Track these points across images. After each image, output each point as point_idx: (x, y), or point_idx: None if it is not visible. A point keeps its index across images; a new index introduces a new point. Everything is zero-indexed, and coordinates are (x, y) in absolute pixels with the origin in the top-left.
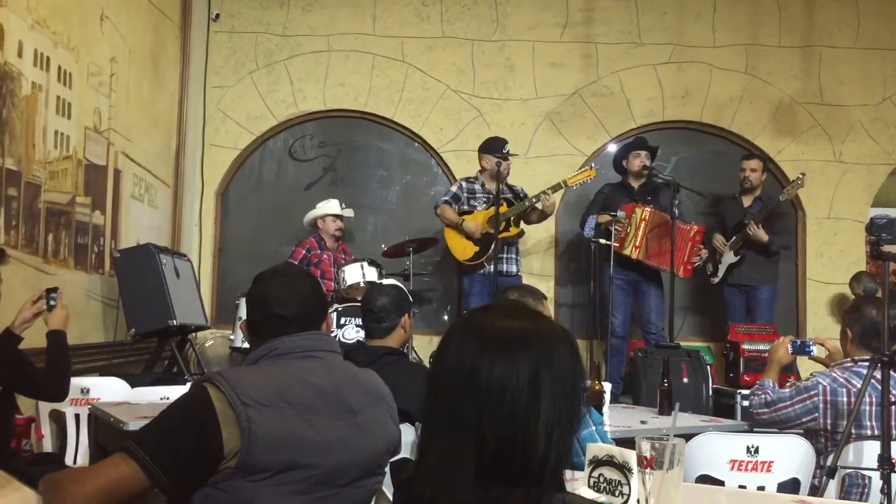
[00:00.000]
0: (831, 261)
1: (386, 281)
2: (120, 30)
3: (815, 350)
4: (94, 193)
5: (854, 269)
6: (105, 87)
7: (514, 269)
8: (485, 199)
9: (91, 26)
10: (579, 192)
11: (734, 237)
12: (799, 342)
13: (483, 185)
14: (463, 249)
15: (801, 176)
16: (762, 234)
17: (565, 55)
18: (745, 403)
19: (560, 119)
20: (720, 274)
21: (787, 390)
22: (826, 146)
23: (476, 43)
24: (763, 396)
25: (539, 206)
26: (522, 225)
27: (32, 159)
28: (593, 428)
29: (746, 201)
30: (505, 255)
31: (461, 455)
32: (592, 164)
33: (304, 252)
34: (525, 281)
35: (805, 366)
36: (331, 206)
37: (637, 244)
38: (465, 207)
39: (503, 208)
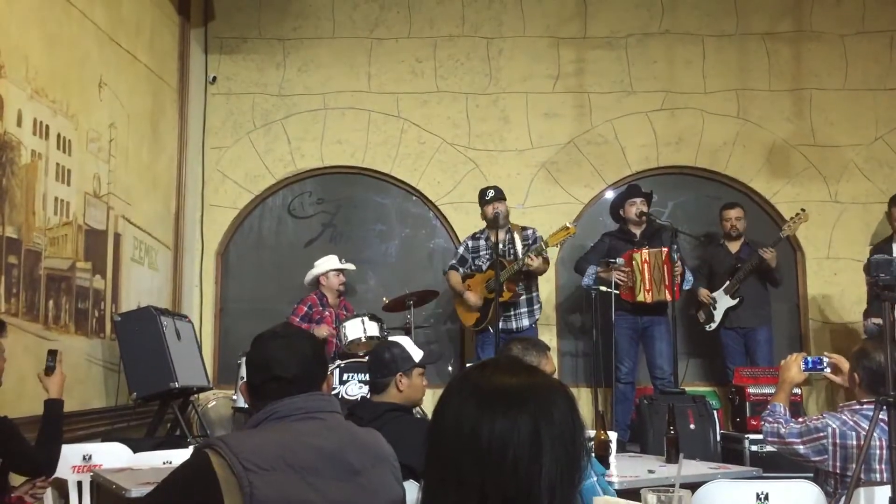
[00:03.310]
0: (833, 300)
1: (393, 337)
2: (118, 96)
3: (829, 368)
4: (94, 258)
5: (856, 309)
6: (104, 152)
7: (525, 323)
8: (488, 257)
9: (90, 93)
10: (577, 242)
11: (728, 282)
12: (812, 360)
13: (488, 239)
14: (468, 317)
15: (802, 211)
16: (773, 259)
17: (559, 105)
18: (754, 448)
19: (556, 168)
20: (717, 319)
21: (798, 426)
22: (821, 187)
23: (470, 96)
24: (774, 425)
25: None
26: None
27: (32, 226)
28: (595, 479)
29: (733, 247)
30: (513, 313)
31: None
32: (568, 223)
33: (305, 309)
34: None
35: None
36: (331, 261)
37: (648, 287)
38: (473, 267)
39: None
